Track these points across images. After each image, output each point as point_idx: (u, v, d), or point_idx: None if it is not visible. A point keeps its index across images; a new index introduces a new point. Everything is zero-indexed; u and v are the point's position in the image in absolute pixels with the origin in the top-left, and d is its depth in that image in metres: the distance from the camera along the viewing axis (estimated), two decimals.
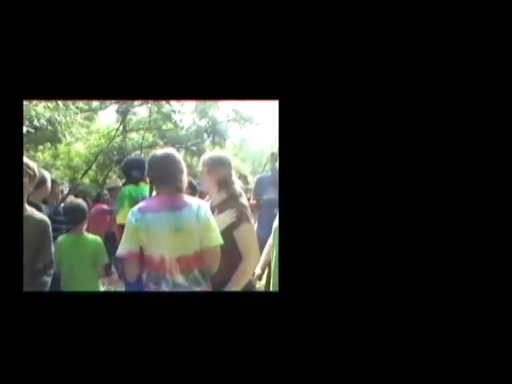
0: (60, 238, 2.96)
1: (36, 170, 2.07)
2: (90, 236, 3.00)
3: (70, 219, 2.98)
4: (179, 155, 2.16)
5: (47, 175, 3.16)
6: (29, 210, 2.02)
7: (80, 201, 3.15)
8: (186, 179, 2.12)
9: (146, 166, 2.17)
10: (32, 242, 1.88)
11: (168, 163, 2.07)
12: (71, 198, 3.34)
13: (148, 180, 2.24)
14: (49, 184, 3.13)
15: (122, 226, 2.56)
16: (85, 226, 3.02)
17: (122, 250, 1.99)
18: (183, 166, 2.11)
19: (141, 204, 2.05)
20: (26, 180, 1.97)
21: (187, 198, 2.06)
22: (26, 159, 2.04)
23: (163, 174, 2.05)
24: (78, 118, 9.41)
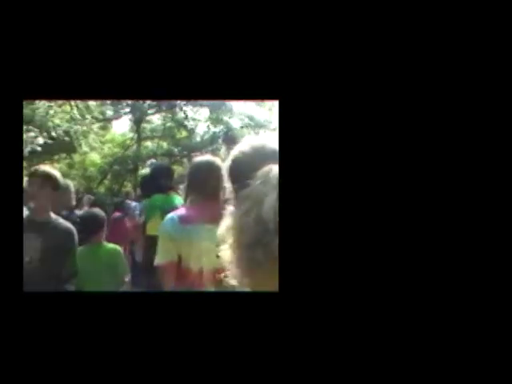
0: (78, 249, 2.88)
1: (59, 178, 2.06)
2: (109, 245, 2.95)
3: (87, 228, 2.93)
4: (220, 162, 2.08)
5: (70, 184, 3.12)
6: (54, 217, 1.98)
7: (97, 210, 3.11)
8: (224, 187, 2.08)
9: (187, 174, 2.10)
10: (58, 250, 1.86)
11: (209, 171, 1.99)
12: (87, 208, 3.32)
13: (186, 188, 2.17)
14: (72, 193, 3.09)
15: (151, 237, 2.55)
16: (103, 235, 2.97)
17: (160, 259, 1.94)
18: (223, 173, 2.02)
19: (179, 214, 1.99)
20: (48, 188, 1.96)
21: (223, 207, 2.03)
22: (48, 168, 2.05)
23: (203, 183, 1.98)
24: (94, 127, 9.48)
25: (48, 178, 2.04)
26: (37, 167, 2.21)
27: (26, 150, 9.36)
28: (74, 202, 3.23)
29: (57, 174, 2.08)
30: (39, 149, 9.52)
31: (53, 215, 2.03)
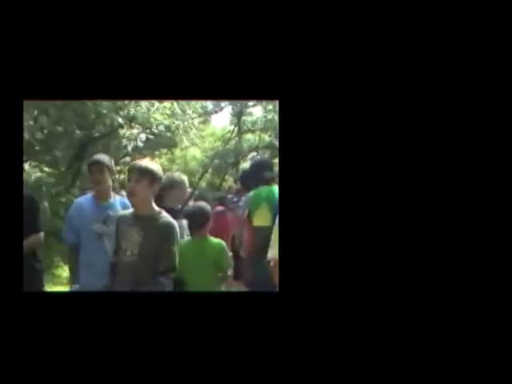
0: (182, 242, 2.81)
1: (157, 172, 2.05)
2: (214, 239, 2.90)
3: (194, 222, 2.90)
4: None
5: (183, 178, 3.06)
6: (157, 211, 2.06)
7: (203, 203, 3.06)
8: None
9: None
10: (157, 243, 1.91)
11: None
12: (192, 201, 3.26)
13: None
14: (186, 187, 3.04)
15: (258, 228, 2.53)
16: (208, 229, 2.93)
17: (275, 253, 1.90)
18: None
19: None
20: (145, 182, 2.01)
21: None
22: (145, 162, 2.08)
23: None
24: (196, 122, 9.52)
25: (144, 172, 2.05)
26: (134, 162, 2.24)
27: (129, 146, 9.48)
28: (185, 196, 3.19)
29: (154, 167, 2.10)
30: (141, 145, 9.65)
31: (156, 209, 2.08)
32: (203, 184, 12.94)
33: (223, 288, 2.78)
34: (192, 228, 2.88)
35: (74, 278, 2.64)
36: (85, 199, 2.85)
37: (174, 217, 2.62)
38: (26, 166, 8.74)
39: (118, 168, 9.55)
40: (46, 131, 7.37)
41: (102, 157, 2.82)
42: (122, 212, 2.34)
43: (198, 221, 2.87)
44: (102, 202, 2.75)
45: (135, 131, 9.40)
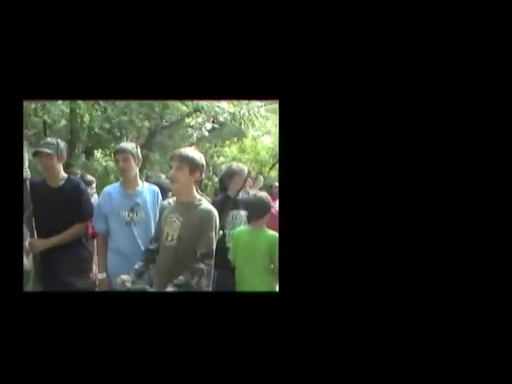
0: (237, 230, 2.87)
1: (198, 160, 2.12)
2: (270, 232, 2.88)
3: (252, 212, 2.87)
4: None
5: (243, 168, 3.08)
6: (198, 198, 2.14)
7: (264, 194, 3.05)
8: None
9: None
10: (195, 229, 1.99)
11: None
12: (254, 191, 3.26)
13: None
14: (244, 176, 3.03)
15: None
16: (266, 221, 2.92)
17: None
18: None
19: None
20: (186, 170, 2.08)
21: None
22: (186, 150, 2.18)
23: None
24: (262, 110, 9.48)
25: (185, 160, 2.09)
26: (177, 150, 2.28)
27: (195, 135, 9.53)
28: (245, 185, 3.22)
29: (196, 155, 2.14)
30: (207, 134, 9.69)
31: (197, 196, 2.13)
32: (274, 174, 12.74)
33: (275, 280, 2.73)
34: (250, 218, 2.87)
35: (101, 266, 2.68)
36: (113, 188, 2.85)
37: (235, 206, 2.77)
38: (98, 154, 8.90)
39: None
40: (113, 121, 7.55)
41: (128, 145, 2.83)
42: (166, 200, 2.42)
43: (257, 211, 2.86)
44: (129, 189, 2.76)
45: (199, 120, 9.44)
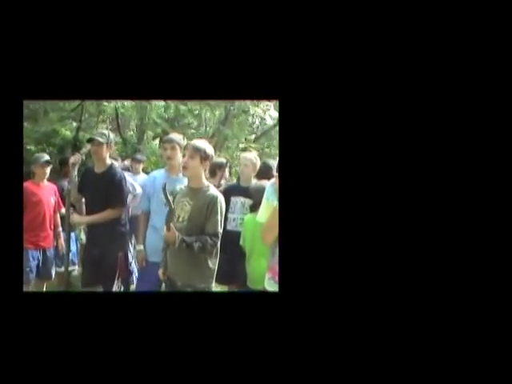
0: (246, 217, 3.05)
1: (208, 151, 2.38)
2: None
3: (256, 200, 2.99)
4: None
5: (249, 158, 3.36)
6: (206, 185, 2.43)
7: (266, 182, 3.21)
8: None
9: None
10: (202, 212, 2.29)
11: None
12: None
13: None
14: (251, 166, 3.30)
15: None
16: None
17: None
18: None
19: None
20: (197, 159, 2.36)
21: None
22: (199, 141, 2.45)
23: None
24: None
25: (197, 150, 2.39)
26: (191, 141, 2.68)
27: (256, 124, 10.00)
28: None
29: (207, 147, 2.43)
30: (271, 122, 9.94)
31: (206, 183, 2.41)
32: None
33: None
34: (255, 205, 2.99)
35: (141, 239, 3.05)
36: (158, 172, 3.24)
37: (246, 194, 3.07)
38: (156, 141, 9.09)
39: (242, 146, 9.87)
40: (171, 111, 7.87)
41: (175, 135, 3.22)
42: (179, 186, 2.69)
43: (259, 199, 2.98)
44: (172, 175, 3.07)
45: (260, 110, 9.72)
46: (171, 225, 2.36)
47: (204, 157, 2.39)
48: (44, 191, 3.48)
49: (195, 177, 2.45)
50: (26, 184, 3.43)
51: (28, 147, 6.26)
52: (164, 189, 2.50)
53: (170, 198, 2.43)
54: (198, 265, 2.35)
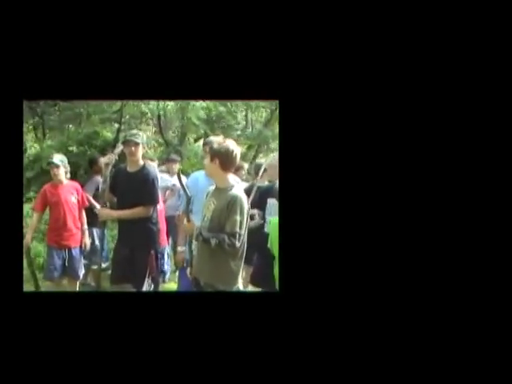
0: (273, 219, 2.98)
1: (230, 153, 2.38)
2: None
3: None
4: None
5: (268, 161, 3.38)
6: (231, 185, 2.42)
7: None
8: None
9: None
10: (223, 211, 2.32)
11: None
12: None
13: None
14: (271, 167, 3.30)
15: None
16: None
17: None
18: None
19: None
20: (217, 160, 2.34)
21: None
22: (220, 141, 2.41)
23: None
24: None
25: (216, 153, 2.36)
26: (210, 141, 2.73)
27: None
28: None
29: (225, 147, 2.42)
30: None
31: (230, 183, 2.42)
32: None
33: None
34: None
35: (181, 240, 3.09)
36: (200, 173, 3.19)
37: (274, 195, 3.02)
38: (199, 143, 9.18)
39: None
40: (213, 112, 7.97)
41: (215, 138, 3.16)
42: (211, 186, 2.70)
43: None
44: None
45: None
46: (191, 216, 2.38)
47: (223, 158, 2.37)
48: (63, 191, 3.53)
49: (216, 177, 2.45)
50: (46, 186, 3.55)
51: (70, 148, 6.54)
52: (179, 176, 2.50)
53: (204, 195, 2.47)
54: (219, 265, 2.33)
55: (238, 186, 2.51)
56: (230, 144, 2.43)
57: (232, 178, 2.49)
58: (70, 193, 3.55)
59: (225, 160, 2.38)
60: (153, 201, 3.04)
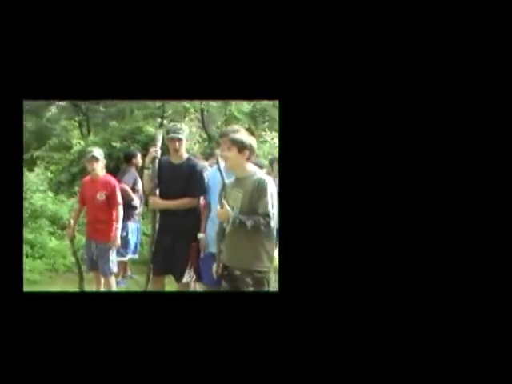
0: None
1: (245, 141, 2.44)
2: None
3: None
4: None
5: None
6: (253, 171, 2.46)
7: None
8: None
9: None
10: (252, 197, 2.36)
11: None
12: None
13: None
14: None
15: None
16: None
17: None
18: None
19: None
20: (235, 150, 2.39)
21: None
22: (237, 132, 2.50)
23: None
24: None
25: (233, 141, 2.42)
26: (227, 132, 2.73)
27: None
28: None
29: (243, 137, 2.47)
30: None
31: (251, 170, 2.48)
32: None
33: None
34: None
35: (203, 228, 3.13)
36: (212, 169, 3.25)
37: None
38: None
39: None
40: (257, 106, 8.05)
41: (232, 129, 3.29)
42: (228, 180, 2.73)
43: None
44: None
45: None
46: (224, 202, 2.43)
47: (241, 147, 2.44)
48: (95, 185, 3.58)
49: (236, 167, 2.51)
50: (84, 179, 3.66)
51: (114, 144, 6.65)
52: (218, 165, 2.54)
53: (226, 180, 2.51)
54: (254, 247, 2.39)
55: (259, 170, 2.58)
56: (242, 133, 2.52)
57: (251, 165, 2.55)
58: (103, 188, 3.56)
59: (253, 151, 2.47)
60: (201, 192, 3.08)
